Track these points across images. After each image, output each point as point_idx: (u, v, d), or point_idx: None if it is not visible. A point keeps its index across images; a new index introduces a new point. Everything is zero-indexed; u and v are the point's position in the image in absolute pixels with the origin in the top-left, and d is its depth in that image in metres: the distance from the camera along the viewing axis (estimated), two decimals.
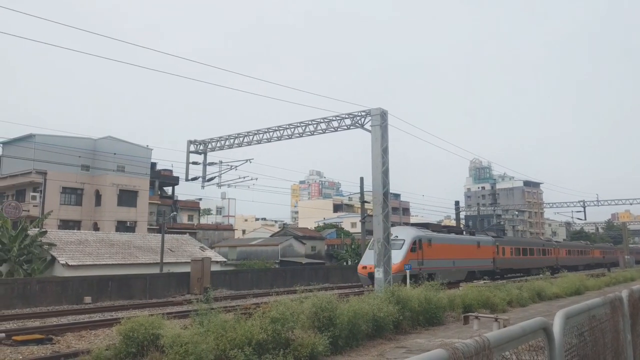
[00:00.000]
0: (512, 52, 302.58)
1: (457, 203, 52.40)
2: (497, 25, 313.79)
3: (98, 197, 42.48)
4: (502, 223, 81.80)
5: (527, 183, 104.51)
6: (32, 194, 39.84)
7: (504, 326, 9.63)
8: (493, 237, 35.13)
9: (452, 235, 30.08)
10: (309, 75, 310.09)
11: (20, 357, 9.43)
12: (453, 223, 60.12)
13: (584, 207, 47.96)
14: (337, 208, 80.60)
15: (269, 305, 8.98)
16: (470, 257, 29.51)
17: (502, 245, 34.35)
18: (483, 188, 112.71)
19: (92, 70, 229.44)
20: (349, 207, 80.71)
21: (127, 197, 43.32)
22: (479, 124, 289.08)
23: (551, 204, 54.07)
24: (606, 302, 3.90)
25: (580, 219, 53.13)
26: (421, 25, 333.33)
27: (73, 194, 41.75)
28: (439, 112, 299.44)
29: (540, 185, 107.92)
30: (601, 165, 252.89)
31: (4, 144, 41.69)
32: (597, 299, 3.84)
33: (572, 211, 51.67)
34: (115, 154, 39.85)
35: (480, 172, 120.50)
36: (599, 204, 47.55)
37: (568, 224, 71.44)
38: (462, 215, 61.66)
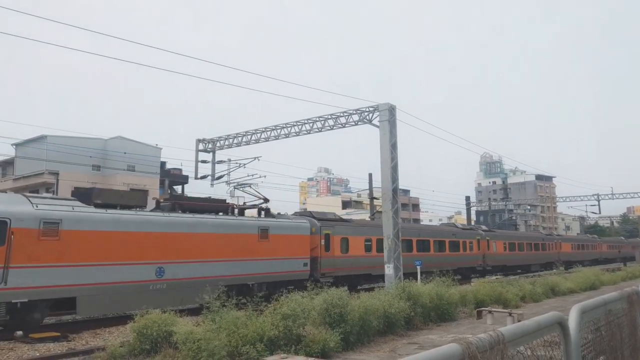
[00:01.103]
0: (520, 44, 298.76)
1: (467, 198, 52.08)
2: (504, 18, 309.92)
3: None
4: (514, 218, 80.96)
5: (539, 177, 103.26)
6: (45, 194, 40.45)
7: (518, 321, 9.53)
8: (320, 219, 20.59)
9: (183, 217, 14.89)
10: (313, 73, 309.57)
11: (38, 354, 9.58)
12: (464, 219, 59.65)
13: (598, 201, 47.20)
14: (345, 205, 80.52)
15: (279, 302, 9.00)
16: (244, 256, 16.26)
17: (338, 236, 20.50)
18: (494, 183, 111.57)
19: (96, 71, 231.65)
20: (357, 204, 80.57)
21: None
22: (489, 119, 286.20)
23: (564, 198, 53.32)
24: (623, 296, 3.83)
25: (595, 213, 52.38)
26: (428, 22, 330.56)
27: None
28: (449, 107, 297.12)
29: (553, 179, 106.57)
30: (616, 158, 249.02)
31: (17, 145, 42.36)
32: (614, 293, 3.78)
33: (586, 205, 50.96)
34: (125, 153, 40.26)
35: (491, 167, 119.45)
36: (614, 197, 46.77)
37: (582, 218, 70.51)
38: (473, 210, 61.16)
